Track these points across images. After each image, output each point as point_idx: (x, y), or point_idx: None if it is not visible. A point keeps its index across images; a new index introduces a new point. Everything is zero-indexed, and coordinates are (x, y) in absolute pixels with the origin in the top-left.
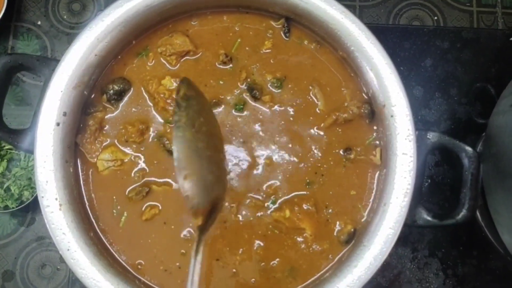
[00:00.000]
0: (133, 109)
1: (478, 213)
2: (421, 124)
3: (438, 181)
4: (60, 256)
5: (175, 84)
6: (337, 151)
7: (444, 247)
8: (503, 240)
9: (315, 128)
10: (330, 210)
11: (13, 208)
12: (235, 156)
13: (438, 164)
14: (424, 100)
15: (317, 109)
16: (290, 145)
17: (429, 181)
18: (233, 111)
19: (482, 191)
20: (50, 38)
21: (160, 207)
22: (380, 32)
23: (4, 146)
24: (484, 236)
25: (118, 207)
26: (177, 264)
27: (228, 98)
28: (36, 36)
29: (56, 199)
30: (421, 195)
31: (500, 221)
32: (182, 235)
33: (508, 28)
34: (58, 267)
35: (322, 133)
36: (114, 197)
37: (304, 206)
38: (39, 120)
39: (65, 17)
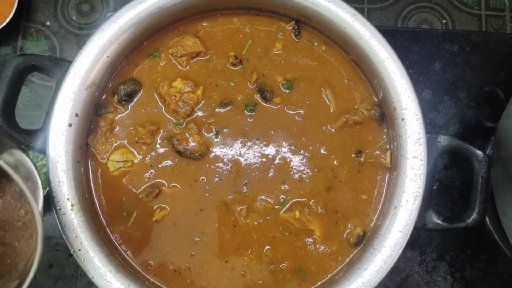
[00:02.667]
0: (144, 110)
1: (486, 217)
2: (430, 127)
3: (447, 184)
4: (68, 256)
5: (186, 88)
6: (348, 153)
7: (453, 250)
8: None
9: (326, 130)
10: (339, 213)
11: None
12: (247, 157)
13: (446, 167)
14: (433, 103)
15: (331, 110)
16: (302, 148)
17: (438, 184)
18: (244, 111)
19: (491, 195)
20: (59, 38)
21: (169, 209)
22: (389, 35)
23: None
24: (493, 239)
25: (128, 208)
26: (187, 265)
27: (239, 99)
28: (45, 37)
29: (68, 199)
30: (431, 199)
31: (509, 225)
32: (191, 237)
33: None
34: (65, 267)
35: (333, 135)
36: (124, 198)
37: (314, 208)
38: (51, 121)
39: (74, 17)
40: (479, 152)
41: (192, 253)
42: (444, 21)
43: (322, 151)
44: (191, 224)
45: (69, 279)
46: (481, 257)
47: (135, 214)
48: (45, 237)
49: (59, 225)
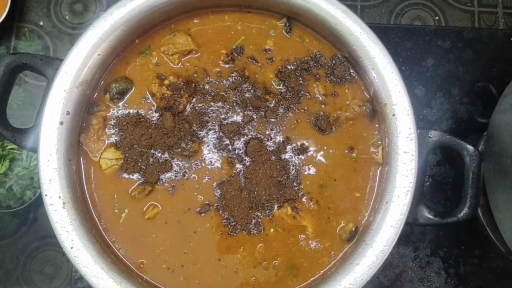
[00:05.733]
0: (136, 108)
1: (480, 212)
2: (422, 124)
3: (440, 180)
4: (62, 255)
5: (178, 85)
6: (341, 150)
7: (446, 246)
8: (504, 238)
9: (320, 127)
10: (332, 209)
11: (15, 207)
12: (238, 154)
13: (439, 164)
14: (425, 100)
15: (322, 106)
16: (296, 145)
17: (431, 180)
18: (237, 108)
19: (484, 190)
20: (52, 38)
21: (160, 207)
22: (382, 32)
23: (7, 146)
24: (486, 235)
25: (120, 206)
26: (180, 263)
27: (231, 96)
28: (38, 37)
29: (60, 197)
30: (422, 194)
31: (502, 219)
32: (184, 236)
33: (509, 28)
34: (60, 266)
35: (327, 132)
36: (116, 195)
37: (306, 204)
38: (42, 119)
39: (67, 17)
40: (470, 147)
41: (185, 251)
42: (437, 17)
43: (315, 147)
44: (182, 223)
45: (64, 278)
46: (475, 253)
47: (126, 211)
48: (40, 236)
49: (51, 223)
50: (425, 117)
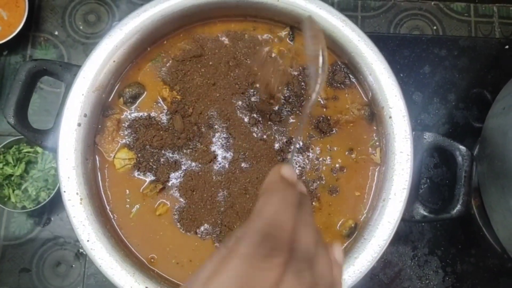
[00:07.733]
0: (148, 111)
1: (476, 213)
2: (420, 128)
3: (437, 182)
4: (74, 254)
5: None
6: (343, 151)
7: (444, 245)
8: (498, 235)
9: (321, 129)
10: (332, 206)
11: (30, 208)
12: (245, 156)
13: (437, 166)
14: (423, 105)
15: (323, 109)
16: (299, 145)
17: (428, 182)
18: (243, 111)
19: (479, 191)
20: (67, 47)
21: (169, 204)
22: (380, 41)
23: (23, 149)
24: (482, 235)
25: (131, 201)
26: (189, 258)
27: (238, 101)
28: (53, 46)
29: (77, 193)
30: (418, 192)
31: (495, 218)
32: (193, 232)
33: (504, 37)
34: (72, 265)
35: (328, 134)
36: (127, 191)
37: None
38: (62, 121)
39: (81, 27)
40: (462, 147)
41: (193, 247)
42: (435, 27)
43: (318, 149)
44: (194, 219)
45: (76, 276)
46: (471, 252)
47: (138, 206)
48: (54, 236)
49: (69, 217)
50: (422, 122)
